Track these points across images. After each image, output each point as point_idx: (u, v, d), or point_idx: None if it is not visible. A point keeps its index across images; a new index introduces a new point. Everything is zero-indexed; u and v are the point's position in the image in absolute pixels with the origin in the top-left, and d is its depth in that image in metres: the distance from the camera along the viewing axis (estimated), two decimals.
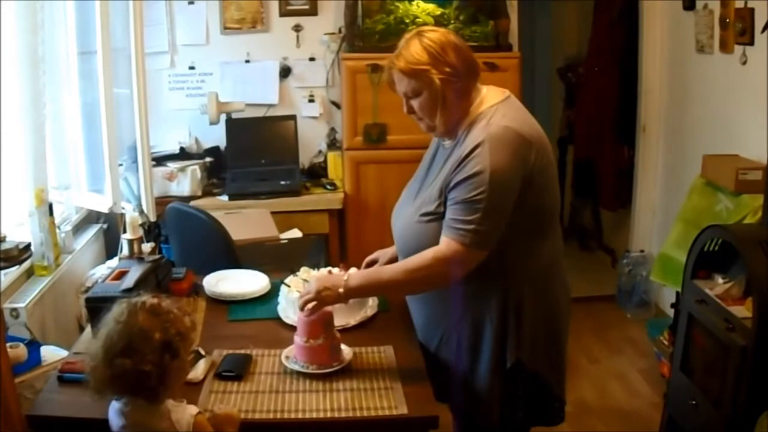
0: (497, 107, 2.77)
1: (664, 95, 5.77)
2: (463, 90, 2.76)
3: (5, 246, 3.52)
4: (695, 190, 4.63)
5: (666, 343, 4.75)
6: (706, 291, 3.63)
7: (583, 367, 5.17)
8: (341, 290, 2.74)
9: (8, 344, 2.61)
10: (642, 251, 6.01)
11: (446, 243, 2.67)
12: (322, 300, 2.74)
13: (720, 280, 3.65)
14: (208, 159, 5.67)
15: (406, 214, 2.93)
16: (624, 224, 6.54)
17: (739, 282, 3.56)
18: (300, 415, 2.48)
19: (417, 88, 2.73)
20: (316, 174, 5.80)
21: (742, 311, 3.37)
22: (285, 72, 5.89)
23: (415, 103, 2.78)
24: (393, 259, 3.16)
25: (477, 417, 2.96)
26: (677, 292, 4.22)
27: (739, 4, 4.51)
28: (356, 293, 2.82)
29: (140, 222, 3.94)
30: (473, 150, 2.65)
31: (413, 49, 2.71)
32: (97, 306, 2.92)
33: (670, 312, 4.74)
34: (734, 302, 3.48)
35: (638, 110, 6.01)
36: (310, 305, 2.74)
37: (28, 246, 3.70)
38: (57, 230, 4.16)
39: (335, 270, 3.26)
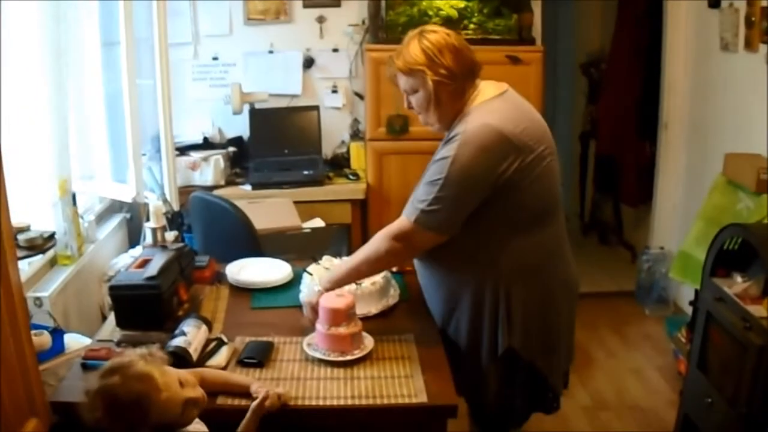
0: (487, 103, 2.88)
1: (687, 93, 5.76)
2: (457, 91, 2.89)
3: (30, 235, 3.55)
4: (717, 189, 4.63)
5: (684, 340, 4.75)
6: (724, 289, 3.63)
7: (600, 362, 5.19)
8: (317, 288, 2.97)
9: (32, 332, 2.63)
10: (662, 248, 6.00)
11: (399, 220, 2.86)
12: (311, 306, 2.96)
13: (739, 279, 3.65)
14: (231, 149, 5.68)
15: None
16: (644, 220, 6.54)
17: (757, 281, 3.56)
18: (321, 402, 2.52)
19: (413, 86, 2.89)
20: (339, 164, 5.82)
21: (760, 311, 3.37)
22: (308, 63, 5.91)
23: (412, 99, 2.95)
24: None
25: (478, 399, 3.09)
26: (696, 290, 4.23)
27: (765, 3, 4.48)
28: (333, 285, 2.96)
29: (164, 211, 3.97)
30: (450, 140, 2.81)
31: (412, 50, 2.84)
32: (120, 294, 2.98)
33: (689, 309, 4.74)
34: (752, 301, 3.47)
35: (661, 107, 6.00)
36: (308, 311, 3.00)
37: (53, 235, 3.72)
38: (80, 220, 4.19)
39: None
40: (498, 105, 2.87)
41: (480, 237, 2.86)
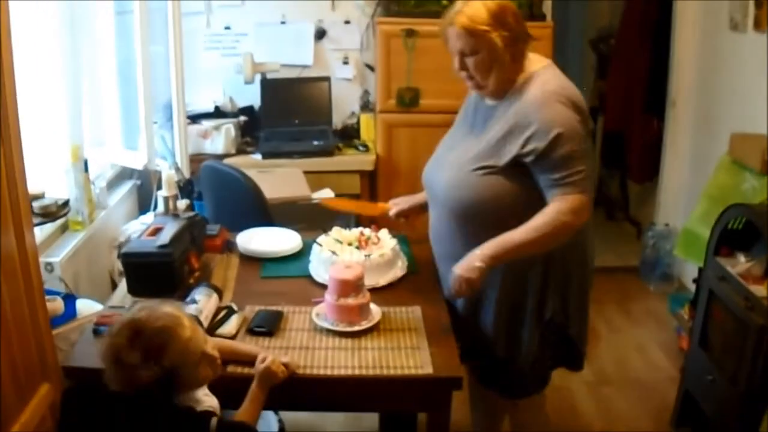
0: (544, 71, 2.90)
1: (695, 71, 5.75)
2: (518, 54, 2.84)
3: (45, 202, 3.58)
4: (722, 168, 4.64)
5: (686, 317, 4.77)
6: (727, 268, 3.66)
7: (603, 337, 5.22)
8: (479, 264, 2.78)
9: (46, 297, 2.66)
10: (667, 225, 6.01)
11: (563, 198, 2.76)
12: (468, 282, 2.80)
13: (742, 259, 3.68)
14: (242, 118, 5.70)
15: (453, 167, 2.99)
16: (651, 197, 6.55)
17: (760, 261, 3.59)
18: (328, 372, 2.56)
19: (475, 47, 2.78)
20: (349, 135, 5.83)
21: (762, 290, 3.40)
22: (320, 34, 5.92)
23: (469, 61, 2.83)
24: (421, 205, 3.32)
25: (512, 366, 3.08)
26: (699, 268, 4.25)
27: None
28: (493, 259, 2.79)
29: (175, 179, 4.00)
30: (542, 114, 2.77)
31: (476, 9, 2.75)
32: (133, 261, 3.01)
33: (693, 287, 4.77)
34: (755, 281, 3.50)
35: (669, 85, 6.00)
36: (463, 289, 2.83)
37: (67, 202, 3.75)
38: (92, 186, 4.23)
39: (366, 231, 3.35)
40: (556, 72, 2.94)
41: (540, 204, 2.83)
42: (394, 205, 3.46)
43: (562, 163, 2.74)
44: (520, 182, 2.85)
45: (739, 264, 3.66)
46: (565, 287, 3.01)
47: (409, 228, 3.55)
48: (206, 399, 2.38)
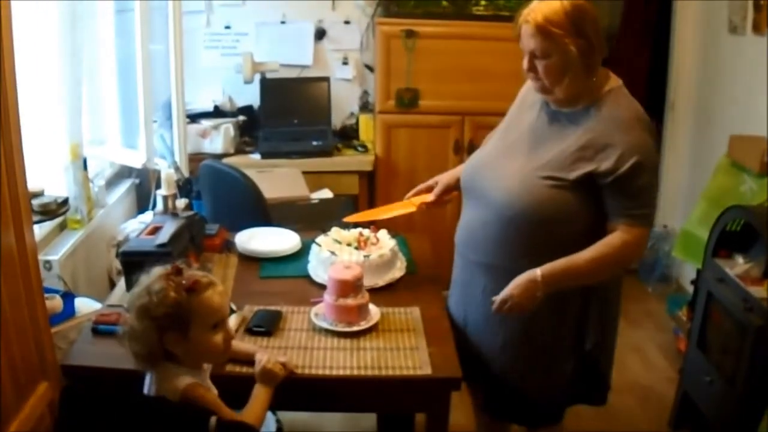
0: (621, 90, 2.79)
1: (694, 73, 5.76)
2: (592, 66, 2.68)
3: (44, 200, 3.58)
4: (721, 170, 4.63)
5: (685, 319, 4.77)
6: (725, 270, 3.66)
7: None
8: (539, 294, 2.65)
9: (45, 295, 2.66)
10: (666, 226, 6.01)
11: (629, 230, 2.64)
12: (521, 308, 2.68)
13: (740, 260, 3.68)
14: (241, 117, 5.69)
15: (516, 172, 2.77)
16: None
17: (758, 263, 3.59)
18: (327, 372, 2.56)
19: (547, 50, 2.61)
20: (348, 135, 5.82)
21: (761, 292, 3.40)
22: (320, 34, 5.91)
23: (539, 64, 2.65)
24: (453, 185, 3.15)
25: (528, 397, 2.96)
26: (697, 270, 4.25)
27: None
28: (551, 288, 2.66)
29: (175, 178, 4.00)
30: (628, 137, 2.64)
31: (553, 8, 2.58)
32: (132, 260, 3.00)
33: (691, 288, 4.77)
34: (753, 283, 3.50)
35: (668, 87, 6.01)
36: (509, 308, 2.69)
37: (66, 200, 3.75)
38: (90, 184, 4.23)
39: (365, 231, 3.34)
40: (628, 94, 2.80)
41: (597, 235, 2.69)
42: (432, 193, 3.22)
43: (637, 194, 2.63)
44: (585, 202, 2.70)
45: (738, 265, 3.66)
46: (604, 318, 2.89)
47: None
48: (212, 386, 2.41)
